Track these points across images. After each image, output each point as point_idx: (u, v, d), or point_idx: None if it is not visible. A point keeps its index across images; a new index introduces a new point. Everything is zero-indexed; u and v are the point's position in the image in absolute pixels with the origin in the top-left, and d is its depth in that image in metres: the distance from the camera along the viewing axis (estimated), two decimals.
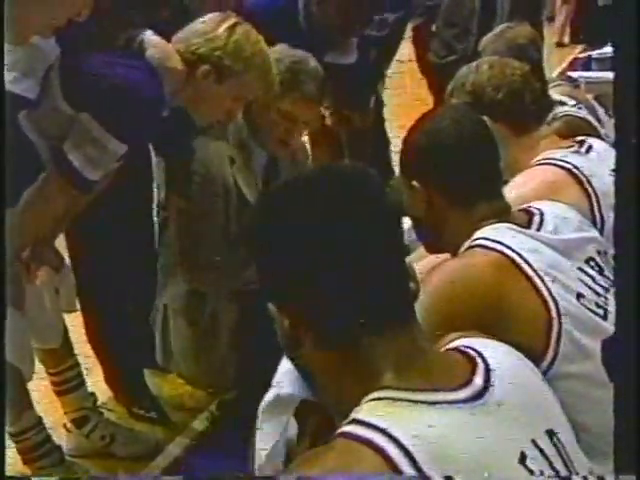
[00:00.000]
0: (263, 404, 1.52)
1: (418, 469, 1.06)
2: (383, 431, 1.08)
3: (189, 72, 2.50)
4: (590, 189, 2.22)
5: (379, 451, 1.07)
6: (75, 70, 2.26)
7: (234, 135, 2.81)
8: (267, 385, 1.59)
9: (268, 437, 1.50)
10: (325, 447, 1.12)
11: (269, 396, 1.51)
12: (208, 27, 2.55)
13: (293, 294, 1.21)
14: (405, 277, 1.25)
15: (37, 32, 2.11)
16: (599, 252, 1.76)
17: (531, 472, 1.14)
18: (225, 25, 2.54)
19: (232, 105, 2.58)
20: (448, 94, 2.45)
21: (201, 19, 2.60)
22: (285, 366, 1.50)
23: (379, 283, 1.20)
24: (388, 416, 1.11)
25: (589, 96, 3.46)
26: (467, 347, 1.25)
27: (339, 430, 1.12)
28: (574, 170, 2.24)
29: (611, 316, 1.64)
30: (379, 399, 1.14)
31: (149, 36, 2.46)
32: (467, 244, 1.70)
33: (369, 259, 1.20)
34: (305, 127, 2.88)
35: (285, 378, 1.50)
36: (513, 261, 1.62)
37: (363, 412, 1.13)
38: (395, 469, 1.06)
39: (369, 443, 1.08)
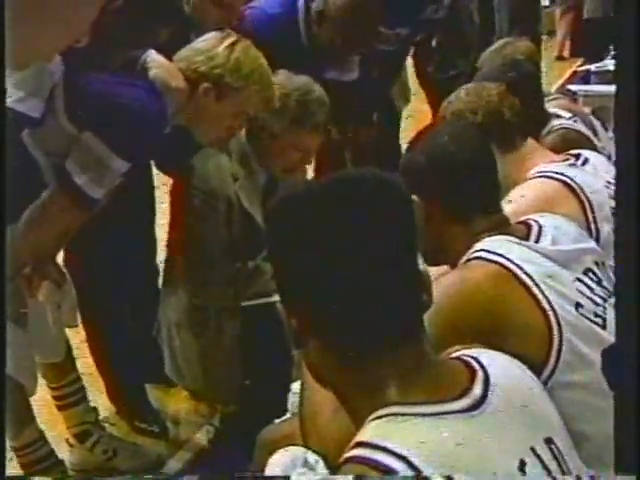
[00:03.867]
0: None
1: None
2: (388, 450, 1.09)
3: (190, 90, 2.52)
4: (585, 201, 2.24)
5: (387, 471, 1.08)
6: (79, 89, 2.27)
7: (237, 153, 2.82)
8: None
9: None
10: (338, 476, 1.13)
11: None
12: (208, 45, 2.57)
13: (303, 298, 1.21)
14: (417, 291, 1.24)
15: (37, 58, 2.12)
16: (597, 263, 1.77)
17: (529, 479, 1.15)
18: (225, 43, 2.56)
19: (233, 122, 2.60)
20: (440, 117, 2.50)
21: (202, 38, 2.63)
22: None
23: (391, 299, 1.20)
24: (391, 434, 1.11)
25: (586, 109, 3.48)
26: (467, 356, 1.26)
27: (345, 455, 1.13)
28: (570, 182, 2.27)
29: (610, 325, 1.65)
30: (381, 417, 1.14)
31: (152, 56, 2.48)
32: (466, 256, 1.71)
33: (383, 269, 1.19)
34: (314, 154, 2.91)
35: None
36: (512, 272, 1.63)
37: (367, 434, 1.13)
38: None
39: (377, 464, 1.09)
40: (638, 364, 0.97)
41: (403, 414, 1.13)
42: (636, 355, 0.98)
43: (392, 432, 1.12)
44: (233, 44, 2.56)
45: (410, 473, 1.07)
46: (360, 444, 1.12)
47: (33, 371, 2.54)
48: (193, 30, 2.87)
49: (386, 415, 1.14)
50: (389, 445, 1.10)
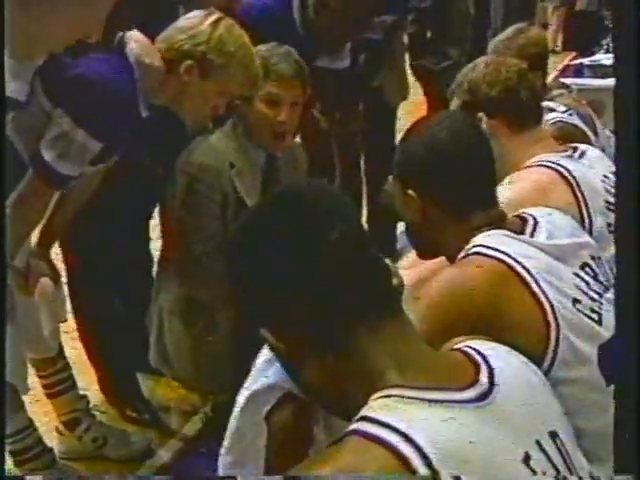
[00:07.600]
0: (245, 395, 1.52)
1: (431, 468, 1.05)
2: (395, 429, 1.08)
3: (173, 69, 2.47)
4: (579, 193, 2.24)
5: (392, 449, 1.06)
6: (54, 65, 2.23)
7: (232, 139, 2.79)
8: None
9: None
10: (337, 446, 1.10)
11: (254, 386, 1.51)
12: (191, 23, 2.53)
13: (281, 316, 1.23)
14: (386, 274, 1.27)
15: (46, 51, 2.11)
16: (593, 257, 1.77)
17: (534, 472, 1.14)
18: (208, 21, 2.52)
19: (217, 101, 2.54)
20: (450, 95, 2.48)
21: (184, 16, 2.59)
22: (266, 355, 1.49)
23: (362, 284, 1.22)
24: (399, 414, 1.10)
25: (582, 103, 3.48)
26: (469, 348, 1.26)
27: (350, 427, 1.12)
28: (565, 173, 2.26)
29: (605, 321, 1.64)
30: (388, 396, 1.14)
31: (131, 32, 2.44)
32: (464, 252, 1.70)
33: (346, 267, 1.22)
34: (294, 110, 2.80)
35: (269, 368, 1.49)
36: (511, 268, 1.62)
37: (373, 410, 1.12)
38: (408, 468, 1.05)
39: (381, 441, 1.07)
40: (637, 365, 0.97)
41: (409, 397, 1.13)
42: (636, 356, 0.97)
43: (399, 412, 1.10)
44: (216, 22, 2.52)
45: (416, 455, 1.05)
46: (365, 418, 1.11)
47: (24, 369, 2.53)
48: (183, 10, 2.83)
49: (392, 395, 1.13)
50: (396, 423, 1.08)
